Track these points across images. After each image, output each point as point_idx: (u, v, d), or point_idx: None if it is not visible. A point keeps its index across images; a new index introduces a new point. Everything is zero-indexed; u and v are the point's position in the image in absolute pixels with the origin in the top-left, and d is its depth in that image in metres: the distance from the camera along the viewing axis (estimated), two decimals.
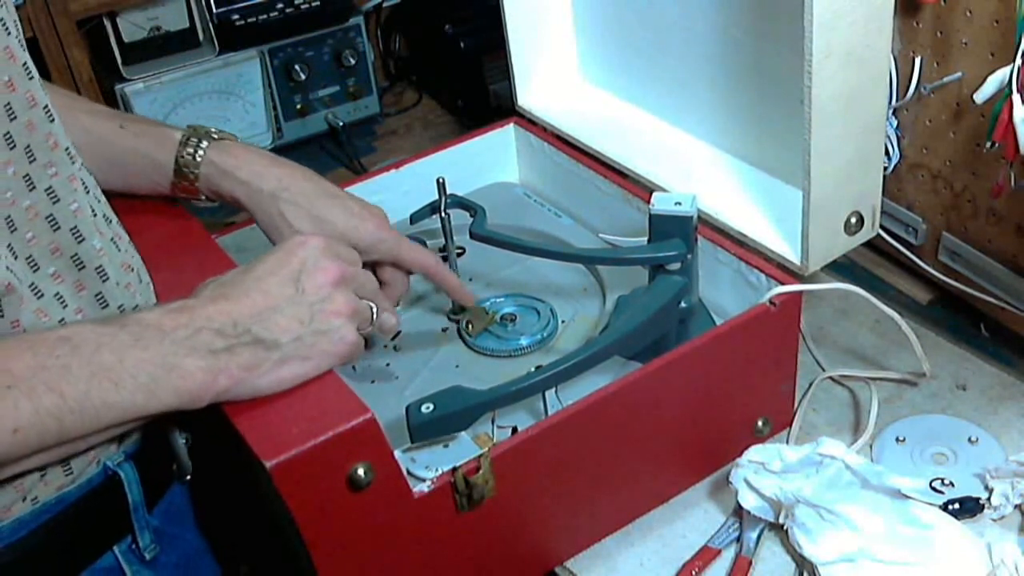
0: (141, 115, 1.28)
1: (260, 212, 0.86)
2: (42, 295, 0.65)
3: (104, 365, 0.61)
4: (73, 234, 0.67)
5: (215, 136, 0.87)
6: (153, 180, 0.86)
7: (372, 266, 0.89)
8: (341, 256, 0.73)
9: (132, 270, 0.74)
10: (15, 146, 0.63)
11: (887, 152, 1.00)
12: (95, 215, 0.70)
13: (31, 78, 0.64)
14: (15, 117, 0.63)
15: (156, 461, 0.74)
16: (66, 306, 0.66)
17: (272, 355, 0.66)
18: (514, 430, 0.83)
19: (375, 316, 0.75)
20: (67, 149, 0.67)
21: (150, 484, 0.73)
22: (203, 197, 0.88)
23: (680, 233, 0.87)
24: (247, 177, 0.86)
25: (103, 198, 0.74)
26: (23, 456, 0.61)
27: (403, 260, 0.90)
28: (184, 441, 0.74)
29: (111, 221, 0.74)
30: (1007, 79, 0.80)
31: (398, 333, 0.96)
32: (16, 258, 0.63)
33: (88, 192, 0.70)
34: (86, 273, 0.68)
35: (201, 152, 0.85)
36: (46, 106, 0.66)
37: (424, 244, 1.05)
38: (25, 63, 0.64)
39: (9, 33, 0.63)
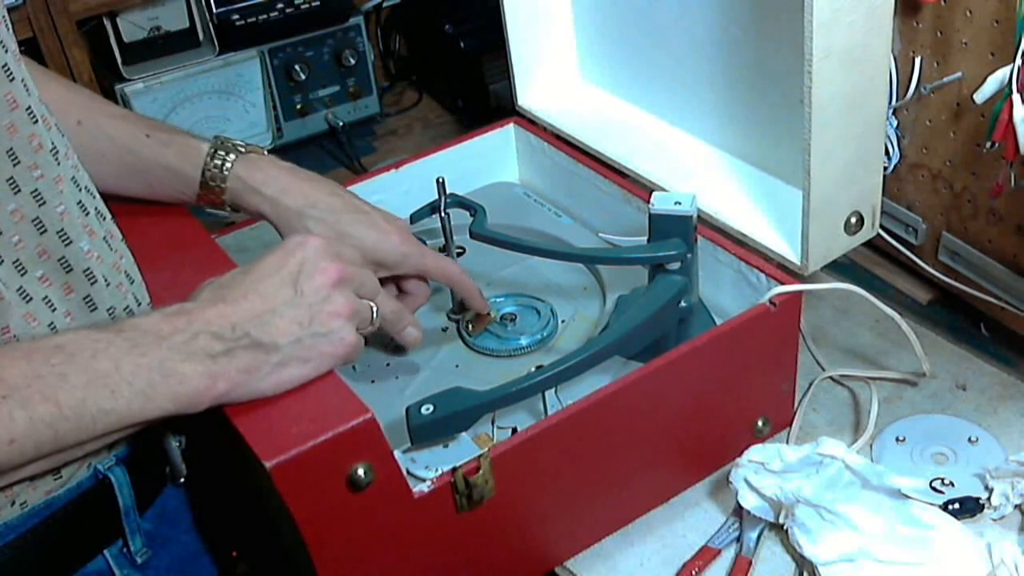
0: (165, 122, 1.28)
1: (286, 228, 0.86)
2: (30, 299, 0.64)
3: (100, 372, 0.61)
4: (60, 237, 0.66)
5: (242, 149, 0.87)
6: (178, 191, 0.87)
7: (394, 277, 0.90)
8: (341, 256, 0.72)
9: (122, 271, 0.73)
10: None
11: (887, 152, 1.00)
12: (87, 213, 0.70)
13: (11, 80, 0.64)
14: None
15: (148, 464, 0.74)
16: (55, 310, 0.66)
17: (271, 358, 0.66)
18: (514, 430, 0.83)
19: (375, 316, 0.74)
20: (52, 150, 0.67)
21: (142, 487, 0.73)
22: (228, 209, 0.88)
23: (680, 233, 0.87)
24: (274, 193, 0.86)
25: (97, 194, 0.73)
26: (19, 466, 0.61)
27: (428, 271, 0.90)
28: (177, 444, 0.74)
29: (105, 218, 0.73)
30: (1007, 79, 0.80)
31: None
32: (2, 263, 0.63)
33: (80, 189, 0.70)
34: (74, 276, 0.67)
35: (228, 166, 0.85)
36: (29, 107, 0.65)
37: (424, 244, 1.05)
38: (5, 64, 0.63)
39: None
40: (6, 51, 0.64)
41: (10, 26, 0.66)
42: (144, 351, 0.62)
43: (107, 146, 0.83)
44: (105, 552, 0.71)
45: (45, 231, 0.65)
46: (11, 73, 0.64)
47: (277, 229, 0.87)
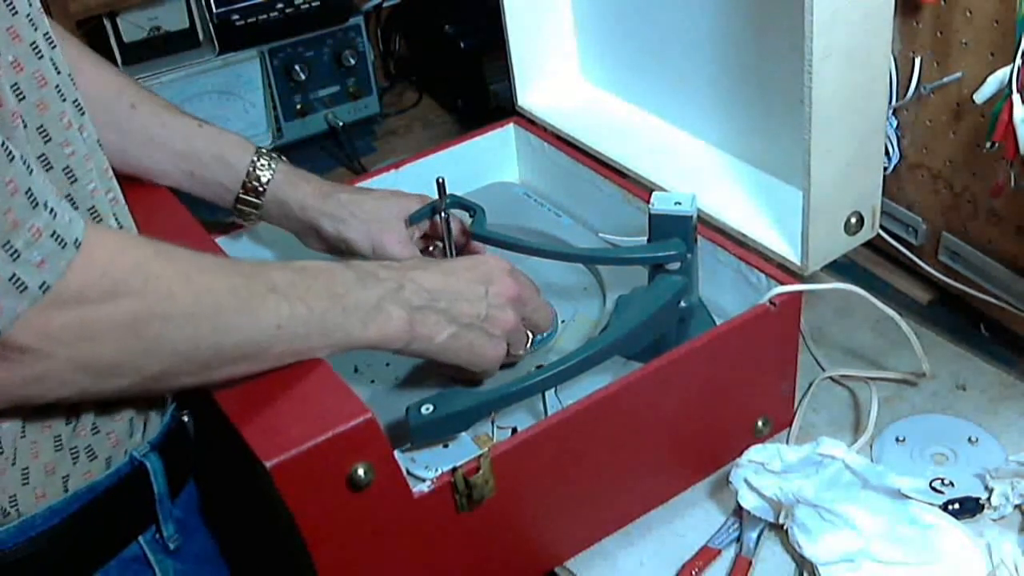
0: None
1: (330, 206, 0.93)
2: None
3: (336, 293, 0.71)
4: (91, 214, 0.67)
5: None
6: (219, 182, 0.92)
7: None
8: (520, 280, 0.84)
9: None
10: (26, 126, 0.62)
11: (887, 152, 1.00)
12: (114, 201, 0.70)
13: (40, 58, 0.63)
14: (24, 98, 0.61)
15: (178, 451, 0.75)
16: None
17: (449, 328, 0.76)
18: (514, 430, 0.83)
19: (528, 345, 0.87)
20: (80, 127, 0.67)
21: (173, 474, 0.73)
22: (258, 208, 0.94)
23: (680, 233, 0.87)
24: (312, 178, 0.95)
25: (115, 179, 0.73)
26: (278, 355, 0.68)
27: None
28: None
29: (118, 202, 0.73)
30: (1007, 79, 0.80)
31: None
32: None
33: (106, 172, 0.70)
34: None
35: (275, 161, 0.93)
36: (57, 85, 0.64)
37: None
38: (34, 42, 0.62)
39: (16, 13, 0.61)
40: (36, 30, 0.63)
41: (39, 6, 0.66)
42: (367, 286, 0.73)
43: (160, 131, 0.88)
44: (139, 539, 0.72)
45: (77, 209, 0.65)
46: (40, 52, 0.63)
47: (318, 212, 0.93)
